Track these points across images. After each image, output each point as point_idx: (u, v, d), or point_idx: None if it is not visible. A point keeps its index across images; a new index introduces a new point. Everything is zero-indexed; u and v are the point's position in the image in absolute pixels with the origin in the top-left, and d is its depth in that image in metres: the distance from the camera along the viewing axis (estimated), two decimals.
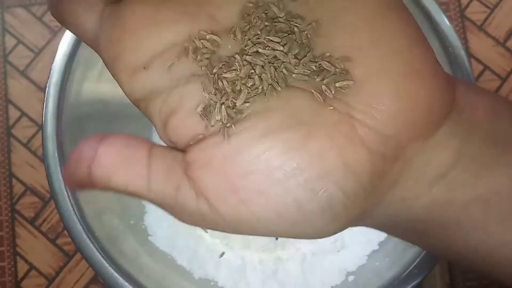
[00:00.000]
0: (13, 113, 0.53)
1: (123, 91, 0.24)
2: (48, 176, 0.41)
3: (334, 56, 0.23)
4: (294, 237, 0.24)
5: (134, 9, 0.23)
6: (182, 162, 0.24)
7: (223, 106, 0.23)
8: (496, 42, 0.54)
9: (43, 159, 0.41)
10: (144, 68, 0.23)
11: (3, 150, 0.52)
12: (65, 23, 0.25)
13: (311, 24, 0.23)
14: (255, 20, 0.23)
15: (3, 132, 0.52)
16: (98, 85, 0.45)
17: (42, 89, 0.53)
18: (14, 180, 0.52)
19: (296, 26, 0.23)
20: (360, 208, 0.24)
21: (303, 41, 0.23)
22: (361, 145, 0.23)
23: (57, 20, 0.25)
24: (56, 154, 0.41)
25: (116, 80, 0.24)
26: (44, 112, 0.42)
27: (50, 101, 0.42)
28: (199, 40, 0.23)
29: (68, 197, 0.41)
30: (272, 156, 0.22)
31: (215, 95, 0.23)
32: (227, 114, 0.23)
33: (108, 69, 0.24)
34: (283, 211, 0.23)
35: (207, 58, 0.23)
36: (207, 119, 0.23)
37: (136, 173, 0.24)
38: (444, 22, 0.43)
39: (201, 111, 0.23)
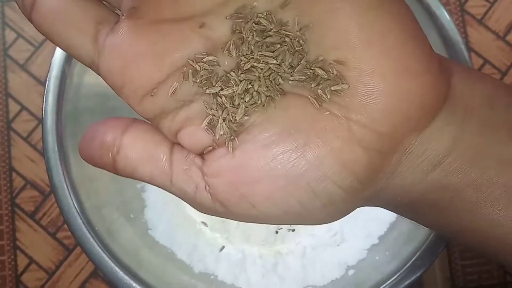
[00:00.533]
0: (13, 107, 0.53)
1: (135, 111, 0.26)
2: (48, 170, 0.41)
3: (328, 59, 0.24)
4: (299, 224, 0.27)
5: (132, 39, 0.24)
6: (199, 167, 0.26)
7: (224, 122, 0.25)
8: (496, 36, 0.54)
9: (43, 153, 0.41)
10: (151, 95, 0.25)
11: (3, 144, 0.52)
12: (56, 44, 0.26)
13: (303, 30, 0.24)
14: (246, 35, 0.24)
15: (3, 126, 0.52)
16: (98, 79, 0.45)
17: (42, 83, 0.53)
18: (14, 174, 0.52)
19: (287, 35, 0.24)
20: (359, 198, 0.25)
21: (296, 48, 0.24)
22: (358, 145, 0.24)
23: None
24: (56, 148, 0.41)
25: (126, 103, 0.26)
26: (44, 106, 0.42)
27: (50, 95, 0.42)
28: (197, 63, 0.24)
29: (68, 191, 0.41)
30: (274, 166, 0.24)
31: (217, 110, 0.25)
32: (229, 128, 0.25)
33: (116, 92, 0.26)
34: (289, 210, 0.25)
35: (206, 79, 0.24)
36: (212, 133, 0.25)
37: (160, 168, 0.26)
38: (444, 16, 0.43)
39: (206, 126, 0.25)
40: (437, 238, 0.41)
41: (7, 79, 0.53)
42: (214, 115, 0.25)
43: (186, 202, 0.27)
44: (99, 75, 0.25)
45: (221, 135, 0.25)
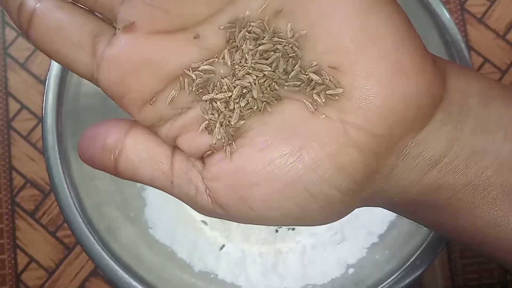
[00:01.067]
0: (13, 106, 0.53)
1: (134, 119, 0.26)
2: (48, 168, 0.41)
3: (322, 64, 0.24)
4: (298, 226, 0.27)
5: (129, 51, 0.24)
6: (199, 171, 0.26)
7: (221, 126, 0.25)
8: (496, 35, 0.54)
9: (43, 151, 0.41)
10: (150, 103, 0.25)
11: (3, 142, 0.52)
12: (54, 60, 0.26)
13: (296, 36, 0.24)
14: (240, 44, 0.24)
15: (3, 125, 0.52)
16: None
17: (42, 82, 0.53)
18: (14, 173, 0.52)
19: (280, 42, 0.24)
20: (357, 199, 0.26)
21: (290, 55, 0.24)
22: (354, 147, 0.24)
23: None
24: (56, 146, 0.41)
25: (126, 111, 0.26)
26: (44, 105, 0.41)
27: (50, 94, 0.42)
28: (193, 72, 0.25)
29: (68, 189, 0.41)
30: (272, 170, 0.24)
31: (213, 115, 0.25)
32: (226, 132, 0.25)
33: (115, 102, 0.26)
34: (287, 212, 0.25)
35: (202, 87, 0.25)
36: (210, 138, 0.25)
37: (161, 170, 0.26)
38: (444, 14, 0.43)
39: (204, 131, 0.25)
40: (437, 237, 0.41)
41: (7, 78, 0.53)
42: (211, 119, 0.25)
43: (187, 204, 0.27)
44: (99, 87, 0.26)
45: (218, 139, 0.25)
